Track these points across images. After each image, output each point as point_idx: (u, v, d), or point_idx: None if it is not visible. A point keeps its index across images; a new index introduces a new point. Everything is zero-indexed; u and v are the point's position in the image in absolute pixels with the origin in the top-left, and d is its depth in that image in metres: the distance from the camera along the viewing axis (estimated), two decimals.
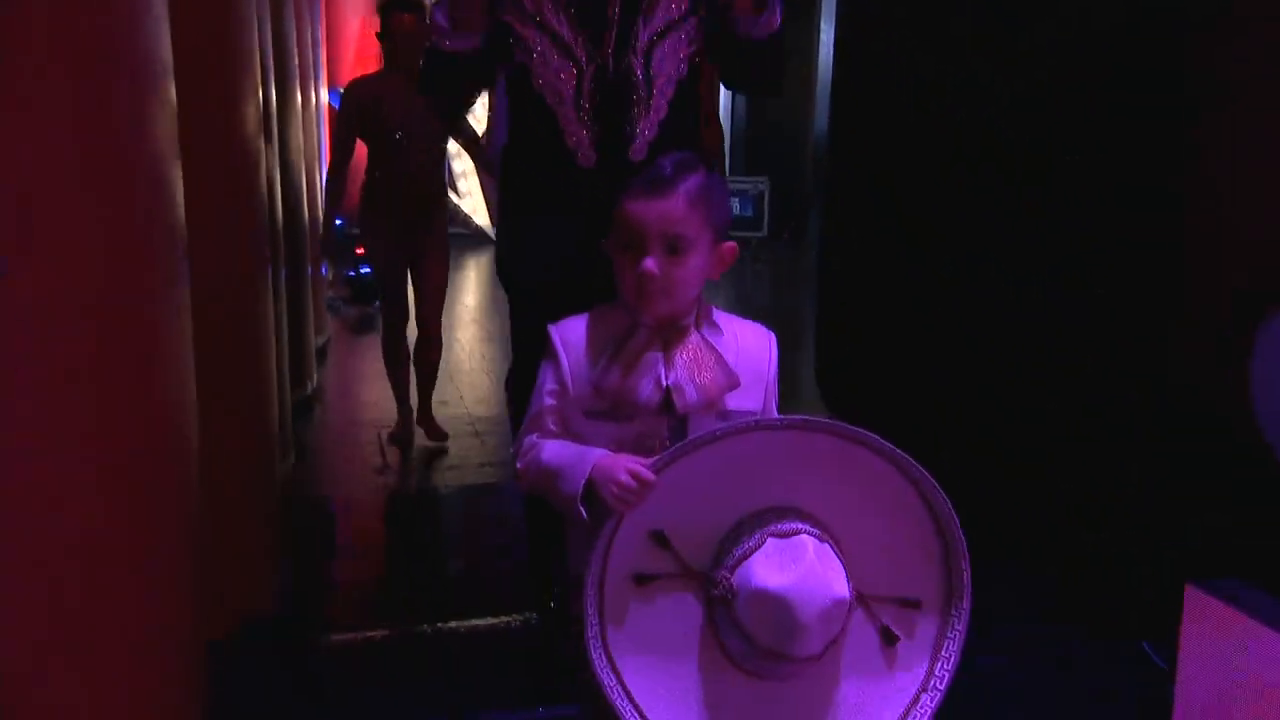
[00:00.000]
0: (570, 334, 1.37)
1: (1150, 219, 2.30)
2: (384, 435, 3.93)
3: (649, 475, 1.20)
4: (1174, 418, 1.97)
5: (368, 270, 5.69)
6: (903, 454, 1.22)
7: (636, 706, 1.23)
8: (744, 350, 1.38)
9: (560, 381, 1.35)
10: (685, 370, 1.33)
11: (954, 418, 2.76)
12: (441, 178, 3.77)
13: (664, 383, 1.32)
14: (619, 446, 1.29)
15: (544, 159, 1.96)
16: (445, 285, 3.78)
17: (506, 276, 2.11)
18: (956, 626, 1.26)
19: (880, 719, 1.27)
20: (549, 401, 1.36)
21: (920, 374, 2.96)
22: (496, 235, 2.19)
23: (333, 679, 2.29)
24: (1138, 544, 2.17)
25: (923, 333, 2.98)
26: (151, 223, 1.49)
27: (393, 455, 3.82)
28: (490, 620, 2.49)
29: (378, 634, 2.46)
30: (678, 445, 1.24)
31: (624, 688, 1.23)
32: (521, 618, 2.45)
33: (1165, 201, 2.23)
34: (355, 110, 3.54)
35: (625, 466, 1.21)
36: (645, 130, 1.93)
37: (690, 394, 1.32)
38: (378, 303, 4.47)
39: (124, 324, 1.41)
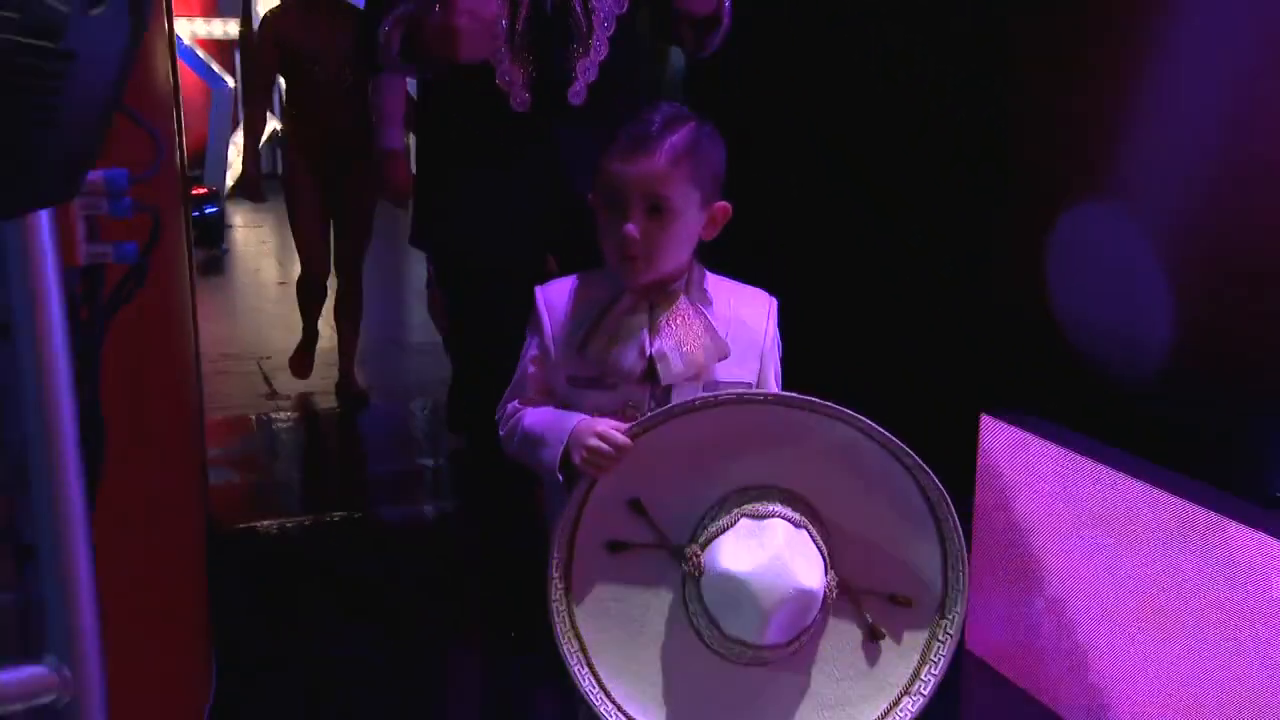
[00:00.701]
0: (555, 298, 1.32)
1: (976, 169, 2.44)
2: (263, 364, 3.83)
3: (622, 439, 1.16)
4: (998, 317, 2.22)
5: (213, 209, 5.49)
6: (903, 446, 1.15)
7: (596, 676, 1.20)
8: (738, 318, 1.31)
9: (543, 347, 1.31)
10: (671, 338, 1.26)
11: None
12: (366, 118, 3.35)
13: (648, 351, 1.25)
14: (601, 415, 1.24)
15: (470, 101, 1.77)
16: (368, 236, 3.57)
17: (426, 237, 1.93)
18: (949, 631, 1.20)
19: (862, 718, 1.21)
20: (531, 369, 1.32)
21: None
22: (415, 190, 1.99)
23: None
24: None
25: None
26: None
27: (281, 385, 3.74)
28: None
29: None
30: (655, 412, 1.19)
31: (585, 656, 1.20)
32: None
33: (990, 151, 2.37)
34: (271, 41, 3.37)
35: (596, 430, 1.17)
36: (586, 70, 1.77)
37: (675, 363, 1.25)
38: (224, 246, 4.24)
39: None
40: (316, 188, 3.42)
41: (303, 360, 3.73)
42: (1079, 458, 1.81)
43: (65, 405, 0.96)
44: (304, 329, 3.69)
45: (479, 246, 1.79)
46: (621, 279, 1.27)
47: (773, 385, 1.34)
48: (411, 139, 3.55)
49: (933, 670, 1.20)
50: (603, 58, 1.78)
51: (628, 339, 1.26)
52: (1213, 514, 1.55)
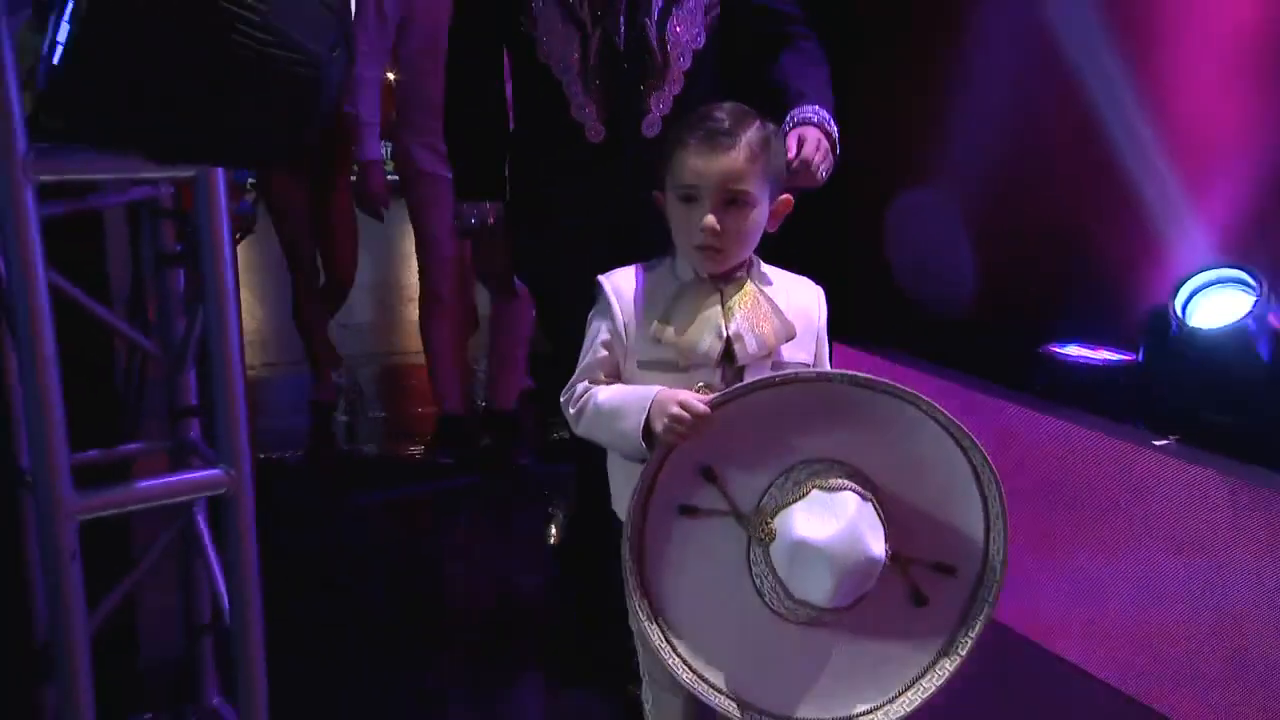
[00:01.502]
0: (622, 286, 1.34)
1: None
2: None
3: (702, 408, 1.18)
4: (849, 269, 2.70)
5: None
6: (957, 422, 1.19)
7: (663, 631, 1.24)
8: (794, 303, 1.35)
9: (614, 332, 1.32)
10: (745, 321, 1.29)
11: None
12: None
13: (724, 333, 1.28)
14: None
15: (550, 135, 1.79)
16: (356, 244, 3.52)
17: (520, 269, 1.94)
18: (987, 598, 1.24)
19: (901, 675, 1.25)
20: (603, 353, 1.33)
21: None
22: (507, 226, 1.92)
23: None
24: None
25: None
26: None
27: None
28: None
29: None
30: (737, 386, 1.22)
31: (652, 610, 1.23)
32: None
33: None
34: None
35: (679, 399, 1.19)
36: (660, 103, 1.75)
37: (751, 344, 1.29)
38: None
39: None
40: (302, 199, 3.33)
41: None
42: (920, 375, 2.27)
43: (231, 293, 1.42)
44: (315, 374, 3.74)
45: (563, 274, 1.75)
46: (698, 267, 1.30)
47: (827, 365, 1.39)
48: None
49: (970, 633, 1.24)
50: (677, 92, 1.76)
51: (705, 323, 1.28)
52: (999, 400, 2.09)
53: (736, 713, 1.23)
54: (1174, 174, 2.02)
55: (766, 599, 1.21)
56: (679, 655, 1.23)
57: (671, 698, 1.37)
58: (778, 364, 1.31)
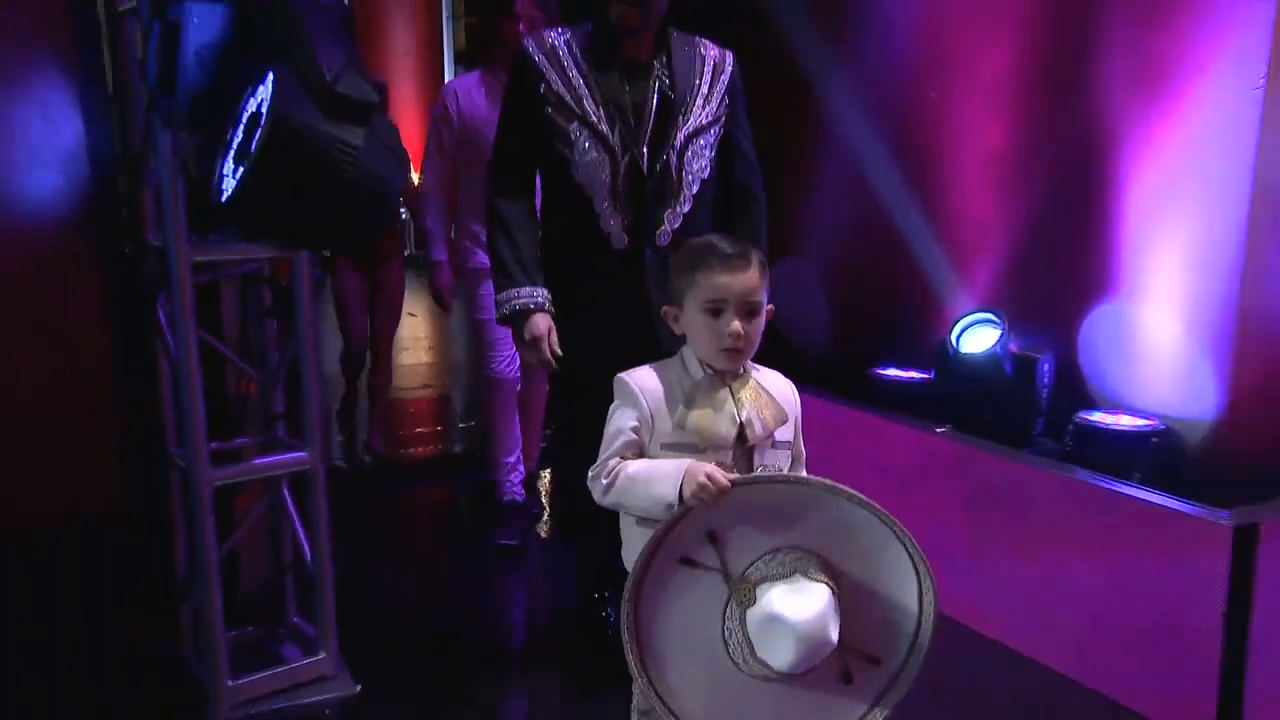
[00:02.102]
0: (645, 382, 1.49)
1: None
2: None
3: (724, 482, 1.33)
4: None
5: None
6: (914, 540, 1.37)
7: (642, 662, 1.40)
8: (778, 391, 1.53)
9: (641, 420, 1.46)
10: (752, 408, 1.47)
11: None
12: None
13: (738, 420, 1.45)
14: None
15: (579, 241, 2.01)
16: (398, 321, 3.87)
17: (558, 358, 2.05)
18: (900, 688, 1.43)
19: None
20: (631, 437, 1.46)
21: None
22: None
23: None
24: None
25: None
26: None
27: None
28: None
29: None
30: (759, 474, 1.42)
31: (635, 636, 1.39)
32: None
33: None
34: None
35: (706, 470, 1.34)
36: (673, 219, 2.02)
37: (758, 428, 1.46)
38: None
39: None
40: (360, 280, 3.71)
41: (346, 416, 3.96)
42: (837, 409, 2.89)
43: (311, 335, 2.09)
44: (345, 390, 3.95)
45: (587, 357, 1.95)
46: (717, 364, 1.47)
47: (802, 445, 1.58)
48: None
49: (880, 714, 1.43)
50: (687, 210, 2.02)
51: (721, 412, 1.46)
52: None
53: None
54: (949, 252, 2.92)
55: (730, 650, 1.38)
56: (660, 696, 1.41)
57: None
58: (775, 443, 1.51)
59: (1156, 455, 2.31)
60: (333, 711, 2.05)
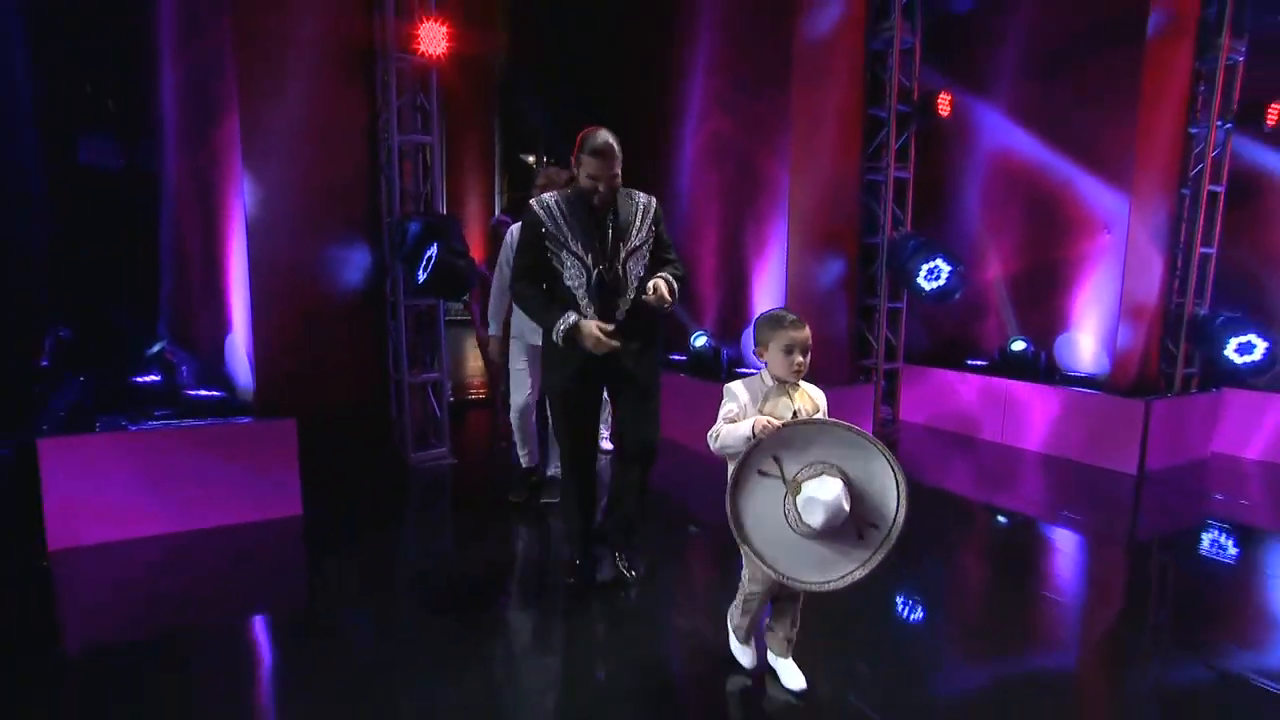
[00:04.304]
0: (738, 388, 2.63)
1: None
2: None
3: (776, 425, 2.39)
4: None
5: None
6: (890, 452, 2.35)
7: (744, 533, 2.43)
8: (814, 397, 2.65)
9: (741, 407, 2.59)
10: (801, 404, 2.58)
11: None
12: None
13: (793, 409, 2.56)
14: None
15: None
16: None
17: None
18: (889, 543, 2.40)
19: (838, 568, 2.40)
20: (734, 415, 2.59)
21: None
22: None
23: None
24: None
25: None
26: None
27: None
28: None
29: None
30: (793, 420, 2.48)
31: (740, 522, 2.41)
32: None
33: None
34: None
35: (765, 420, 2.44)
36: (623, 304, 3.14)
37: (802, 413, 2.55)
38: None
39: None
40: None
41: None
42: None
43: (443, 328, 5.80)
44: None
45: (569, 393, 3.24)
46: (786, 379, 2.60)
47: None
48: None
49: (875, 558, 2.40)
50: (632, 297, 3.16)
51: (785, 406, 2.56)
52: None
53: (781, 577, 2.43)
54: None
55: (789, 521, 2.38)
56: (754, 548, 2.42)
57: (759, 583, 2.76)
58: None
59: None
60: (443, 471, 5.55)
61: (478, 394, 7.77)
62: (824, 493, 2.33)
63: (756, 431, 2.43)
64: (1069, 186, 6.29)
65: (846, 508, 2.35)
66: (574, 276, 3.14)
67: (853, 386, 6.32)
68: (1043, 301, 6.52)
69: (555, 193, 3.24)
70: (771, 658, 2.90)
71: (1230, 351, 5.90)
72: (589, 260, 3.12)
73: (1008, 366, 6.57)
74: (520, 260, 3.23)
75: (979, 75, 6.76)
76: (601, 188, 3.10)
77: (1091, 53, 6.02)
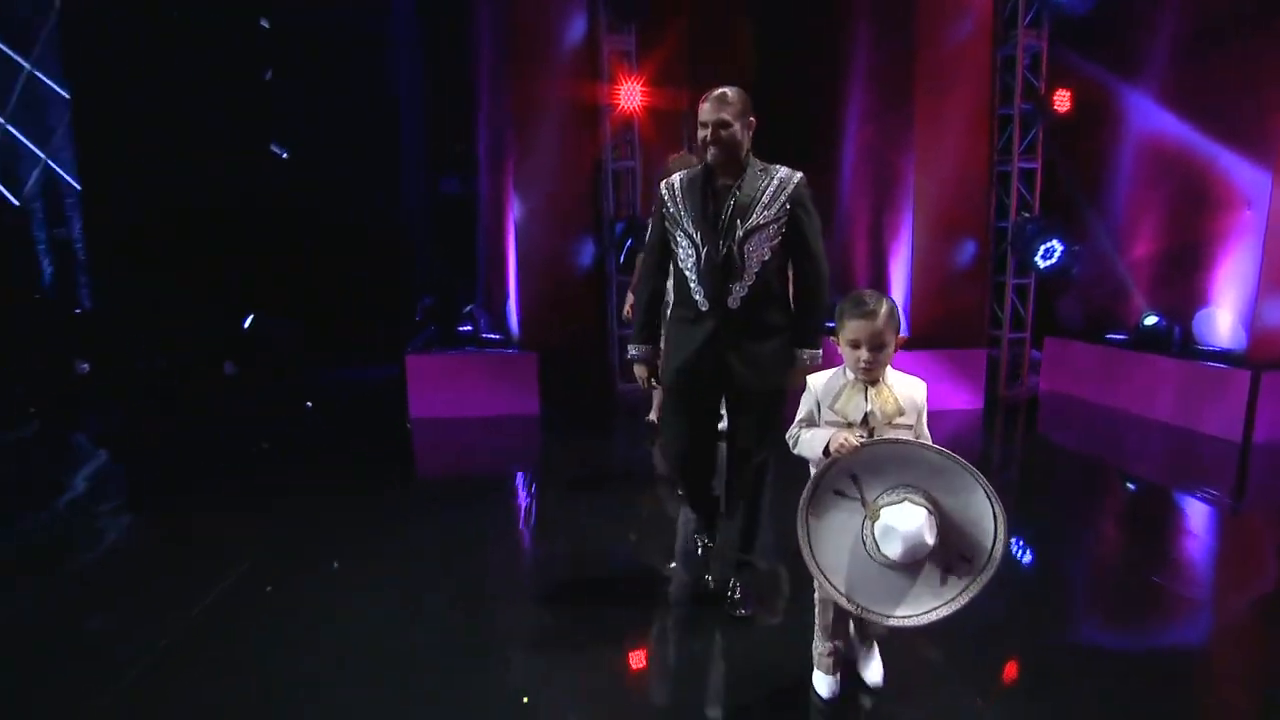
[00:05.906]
0: (818, 381, 2.42)
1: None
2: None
3: (855, 444, 2.18)
4: None
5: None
6: (984, 479, 2.12)
7: (814, 556, 2.25)
8: (904, 393, 2.35)
9: (816, 404, 2.39)
10: (875, 402, 2.32)
11: None
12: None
13: (864, 409, 2.32)
14: None
15: (683, 303, 2.98)
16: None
17: (662, 370, 3.13)
18: (981, 580, 2.17)
19: (921, 603, 2.19)
20: (808, 415, 2.41)
21: None
22: (663, 346, 3.19)
23: None
24: None
25: None
26: None
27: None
28: None
29: None
30: (876, 439, 2.22)
31: (810, 544, 2.23)
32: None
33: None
34: None
35: (845, 436, 2.21)
36: (740, 290, 2.87)
37: (878, 415, 2.31)
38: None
39: None
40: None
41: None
42: None
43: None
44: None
45: (682, 381, 3.06)
46: (858, 375, 2.34)
47: (926, 428, 2.32)
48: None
49: (962, 599, 2.17)
50: (751, 283, 2.88)
51: (858, 405, 2.33)
52: None
53: (855, 608, 2.24)
54: None
55: (867, 548, 2.20)
56: (825, 575, 2.24)
57: (827, 604, 2.51)
58: (892, 426, 2.29)
59: None
60: (640, 397, 7.79)
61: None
62: (904, 523, 2.15)
63: (833, 450, 2.26)
64: (1212, 164, 6.60)
65: (930, 541, 2.16)
66: (686, 257, 2.98)
67: (980, 349, 7.29)
68: (1183, 278, 6.88)
69: (685, 173, 3.09)
70: (856, 643, 2.73)
71: None
72: (698, 238, 2.92)
73: (1142, 341, 7.02)
74: (649, 239, 3.27)
75: (1125, 60, 7.23)
76: (709, 137, 2.88)
77: (1235, 33, 6.32)
